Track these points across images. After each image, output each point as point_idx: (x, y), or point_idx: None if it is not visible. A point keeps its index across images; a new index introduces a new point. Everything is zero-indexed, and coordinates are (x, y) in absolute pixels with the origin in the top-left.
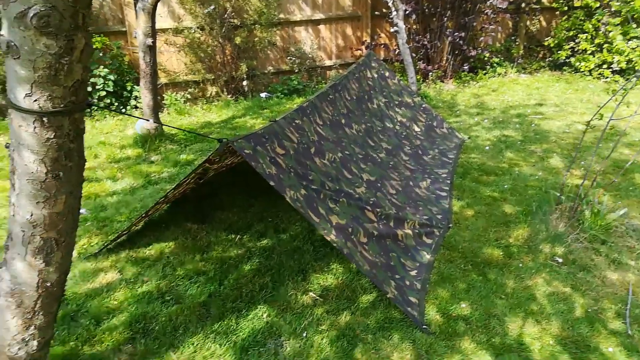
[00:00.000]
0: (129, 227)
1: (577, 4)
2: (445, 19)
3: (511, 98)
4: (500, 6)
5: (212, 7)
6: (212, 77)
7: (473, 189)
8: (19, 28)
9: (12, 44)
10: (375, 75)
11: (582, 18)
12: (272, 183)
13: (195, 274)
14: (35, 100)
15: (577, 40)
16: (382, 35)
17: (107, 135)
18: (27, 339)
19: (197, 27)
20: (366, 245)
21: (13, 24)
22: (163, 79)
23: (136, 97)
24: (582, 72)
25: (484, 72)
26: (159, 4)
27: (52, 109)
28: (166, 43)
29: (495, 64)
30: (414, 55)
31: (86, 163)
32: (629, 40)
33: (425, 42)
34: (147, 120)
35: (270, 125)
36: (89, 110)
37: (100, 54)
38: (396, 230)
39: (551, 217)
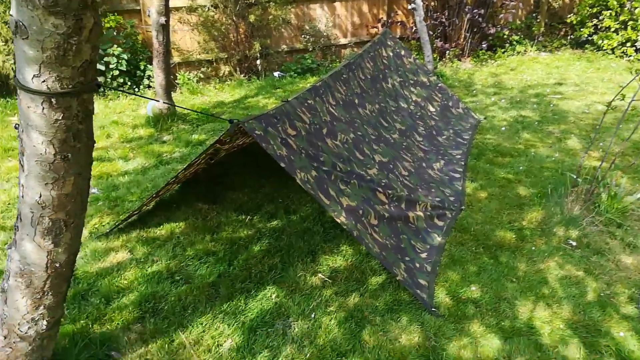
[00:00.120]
0: (140, 207)
1: None
2: None
3: (530, 77)
4: None
5: None
6: (225, 56)
7: (487, 170)
8: (27, 7)
9: (21, 23)
10: (391, 54)
11: None
12: (282, 164)
13: (205, 254)
14: (44, 81)
15: (600, 17)
16: (399, 12)
17: (120, 115)
18: (36, 319)
19: (211, 5)
20: (376, 227)
21: (21, 4)
22: (176, 58)
23: (149, 76)
24: (605, 50)
25: (503, 50)
26: None
27: (61, 90)
28: (180, 21)
29: (514, 42)
30: (431, 33)
31: (99, 143)
32: None
33: (443, 20)
34: (158, 100)
35: (282, 105)
36: (102, 90)
37: (114, 33)
38: (407, 212)
39: (566, 200)
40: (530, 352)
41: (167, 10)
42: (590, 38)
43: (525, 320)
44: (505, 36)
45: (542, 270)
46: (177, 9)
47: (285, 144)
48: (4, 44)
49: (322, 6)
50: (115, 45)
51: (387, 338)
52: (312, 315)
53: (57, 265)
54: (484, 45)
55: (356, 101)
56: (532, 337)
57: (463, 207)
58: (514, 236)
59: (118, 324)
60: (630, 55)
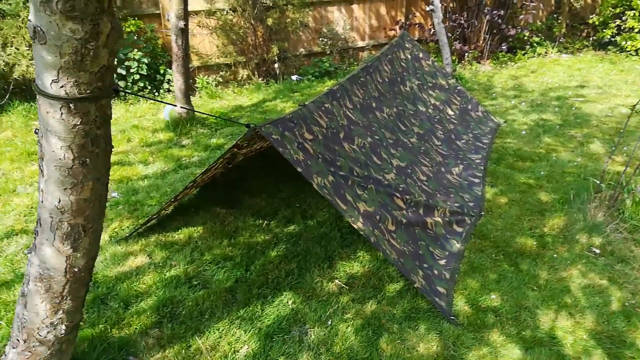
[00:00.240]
0: (159, 211)
1: None
2: None
3: (551, 80)
4: None
5: None
6: (244, 60)
7: (507, 175)
8: (45, 13)
9: (39, 28)
10: (409, 57)
11: None
12: (299, 169)
13: (222, 259)
14: (62, 87)
15: (624, 18)
16: (417, 14)
17: (140, 119)
18: (55, 323)
19: (230, 9)
20: (394, 233)
21: (39, 9)
22: (195, 62)
23: (169, 80)
24: (628, 51)
25: (523, 52)
26: None
27: (79, 95)
28: (199, 25)
29: (535, 44)
30: (449, 35)
31: (120, 147)
32: None
33: (462, 21)
34: (175, 105)
35: (298, 109)
36: (123, 94)
37: (135, 37)
38: (426, 218)
39: (589, 206)
40: None
41: (186, 14)
42: (613, 39)
43: (546, 330)
44: (525, 38)
45: (564, 279)
46: (196, 12)
47: (302, 149)
48: (28, 48)
49: (340, 9)
50: (136, 50)
51: (405, 347)
52: (329, 322)
53: (76, 270)
54: (503, 47)
55: (374, 105)
56: (554, 347)
57: (482, 213)
58: (535, 243)
59: (136, 328)
60: None
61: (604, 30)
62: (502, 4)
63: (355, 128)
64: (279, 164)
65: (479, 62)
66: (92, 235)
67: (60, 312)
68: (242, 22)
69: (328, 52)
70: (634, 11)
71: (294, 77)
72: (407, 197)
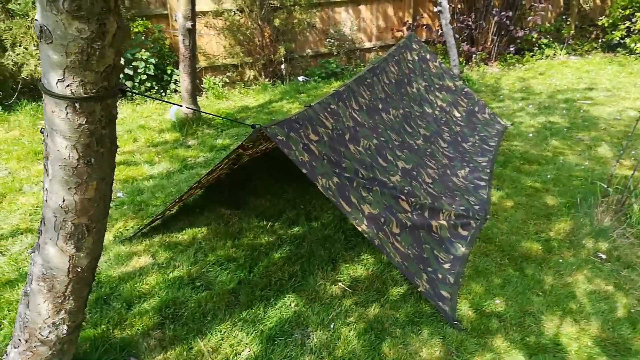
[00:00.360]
0: (164, 212)
1: None
2: None
3: (559, 82)
4: None
5: None
6: (251, 61)
7: (514, 178)
8: (52, 12)
9: (45, 28)
10: (416, 58)
11: None
12: (304, 171)
13: (225, 260)
14: (68, 86)
15: (633, 20)
16: (425, 15)
17: (146, 119)
18: (57, 323)
19: (237, 10)
20: (398, 236)
21: (46, 8)
22: (202, 63)
23: (176, 80)
24: (638, 54)
25: (531, 54)
26: None
27: (84, 95)
28: (206, 26)
29: (543, 45)
30: (457, 36)
31: (126, 147)
32: None
33: (470, 23)
34: (180, 105)
35: (304, 110)
36: (130, 94)
37: (142, 38)
38: (431, 221)
39: (596, 211)
40: None
41: (193, 15)
42: (622, 41)
43: (551, 337)
44: (533, 39)
45: (569, 284)
46: (204, 13)
47: (307, 150)
48: (36, 48)
49: (347, 10)
50: (143, 50)
51: (408, 351)
52: (332, 326)
53: (79, 269)
54: (511, 49)
55: (380, 106)
56: (558, 354)
57: (488, 217)
58: (540, 247)
59: (138, 329)
60: None
61: (613, 32)
62: (511, 5)
63: (361, 129)
64: (284, 165)
65: (487, 64)
66: (96, 235)
67: (63, 312)
68: (250, 23)
69: (335, 53)
70: None
71: (300, 78)
72: (412, 199)
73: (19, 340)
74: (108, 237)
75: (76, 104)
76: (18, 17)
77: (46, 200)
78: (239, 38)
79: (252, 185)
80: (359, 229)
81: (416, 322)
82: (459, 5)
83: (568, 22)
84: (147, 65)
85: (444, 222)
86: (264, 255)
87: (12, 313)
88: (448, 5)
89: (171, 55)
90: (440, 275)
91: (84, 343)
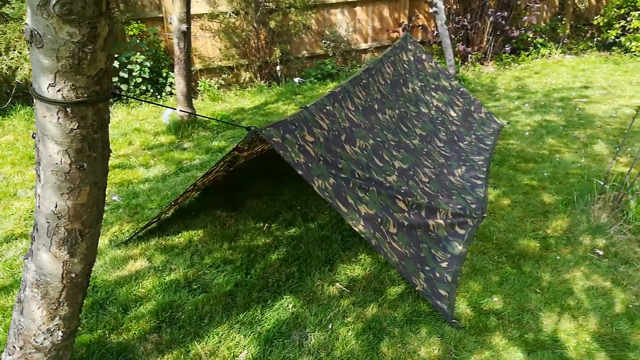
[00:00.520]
0: (159, 215)
1: None
2: None
3: (555, 81)
4: None
5: None
6: (246, 63)
7: (510, 177)
8: (42, 16)
9: (36, 32)
10: (412, 58)
11: None
12: (300, 172)
13: (222, 263)
14: (59, 90)
15: (628, 18)
16: (420, 16)
17: (141, 122)
18: (52, 330)
19: (232, 12)
20: (395, 236)
21: (36, 12)
22: (198, 65)
23: (171, 83)
24: (633, 52)
25: (527, 53)
26: None
27: (76, 99)
28: (201, 28)
29: (539, 45)
30: (452, 36)
31: (121, 150)
32: None
33: (465, 23)
34: (174, 109)
35: (300, 112)
36: (125, 97)
37: (137, 41)
38: (428, 221)
39: (593, 207)
40: None
41: (188, 18)
42: (617, 40)
43: (549, 333)
44: (529, 39)
45: (567, 281)
46: (199, 15)
47: (303, 151)
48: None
49: (343, 11)
50: (138, 53)
51: (406, 350)
52: (329, 326)
53: (73, 275)
54: (507, 49)
55: (376, 107)
56: (556, 350)
57: (485, 215)
58: (538, 245)
59: (135, 333)
60: None
61: (609, 31)
62: (506, 6)
63: (357, 130)
64: (280, 166)
65: (482, 64)
66: (90, 241)
67: (57, 318)
68: (245, 25)
69: (331, 55)
70: (639, 12)
71: (296, 80)
72: (409, 199)
73: (14, 347)
74: (103, 241)
75: (68, 109)
76: (12, 21)
77: (38, 206)
78: (234, 40)
79: (248, 187)
80: (356, 229)
81: (414, 321)
82: (454, 6)
83: (563, 22)
84: (142, 68)
85: (441, 221)
86: (261, 256)
87: (7, 319)
88: (443, 6)
89: (166, 58)
90: (437, 274)
91: (80, 348)
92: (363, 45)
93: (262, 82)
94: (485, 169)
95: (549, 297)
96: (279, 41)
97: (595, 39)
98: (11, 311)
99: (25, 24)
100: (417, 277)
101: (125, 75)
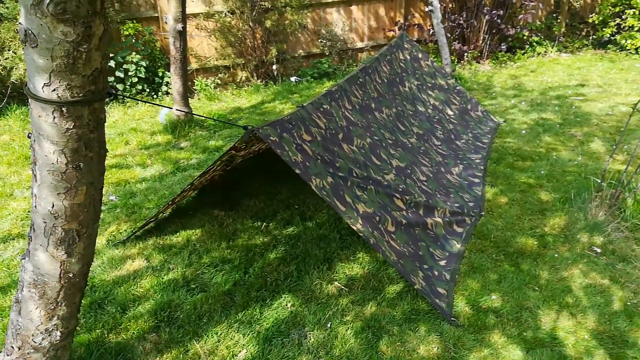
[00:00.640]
0: (157, 214)
1: None
2: None
3: (551, 79)
4: None
5: None
6: (242, 62)
7: (508, 175)
8: (36, 15)
9: (30, 32)
10: (408, 57)
11: None
12: (297, 171)
13: (220, 262)
14: (54, 90)
15: (623, 17)
16: (416, 15)
17: (138, 122)
18: (50, 329)
19: (228, 11)
20: (394, 234)
21: (30, 12)
22: (194, 64)
23: (167, 83)
24: (628, 50)
25: (523, 51)
26: None
27: (71, 99)
28: (197, 28)
29: (534, 43)
30: (448, 35)
31: (118, 150)
32: None
33: (461, 21)
34: (170, 108)
35: (297, 111)
36: (121, 97)
37: (133, 41)
38: (426, 219)
39: (590, 205)
40: None
41: (184, 17)
42: (612, 38)
43: (548, 331)
44: (524, 37)
45: (565, 279)
46: (195, 15)
47: (300, 150)
48: None
49: (339, 10)
50: (134, 53)
51: (405, 349)
52: (328, 325)
53: (71, 275)
54: (503, 47)
55: (373, 105)
56: (555, 348)
57: (483, 213)
58: (535, 243)
59: (133, 333)
60: None
61: (604, 29)
62: (502, 4)
63: (354, 129)
64: (277, 165)
65: (479, 62)
66: (87, 240)
67: (55, 318)
68: (241, 24)
69: (327, 54)
70: (634, 10)
71: (292, 79)
72: (407, 197)
73: (12, 347)
74: (101, 240)
75: (63, 109)
76: (6, 21)
77: (35, 206)
78: (230, 39)
79: (246, 186)
80: (354, 228)
81: (413, 320)
82: (450, 5)
83: (559, 20)
84: (138, 68)
85: (439, 220)
86: (259, 256)
87: (5, 320)
88: (439, 5)
89: (162, 58)
90: (436, 273)
91: (78, 348)
92: (359, 44)
93: (259, 81)
94: (482, 167)
95: (547, 294)
96: (275, 40)
97: (590, 37)
98: (9, 311)
99: (19, 23)
100: (416, 275)
101: (121, 75)
